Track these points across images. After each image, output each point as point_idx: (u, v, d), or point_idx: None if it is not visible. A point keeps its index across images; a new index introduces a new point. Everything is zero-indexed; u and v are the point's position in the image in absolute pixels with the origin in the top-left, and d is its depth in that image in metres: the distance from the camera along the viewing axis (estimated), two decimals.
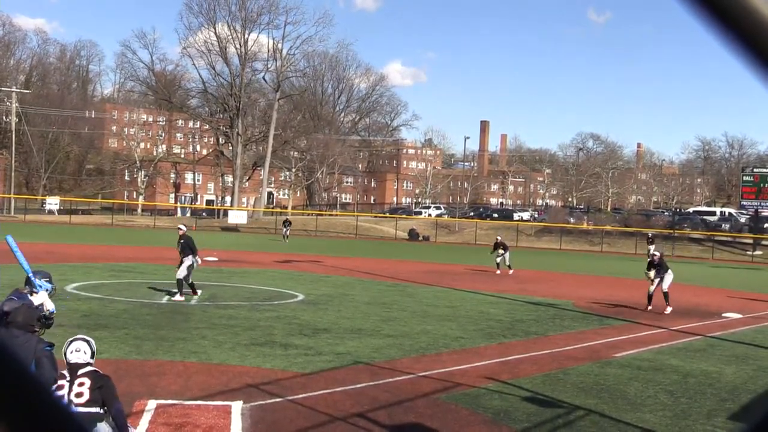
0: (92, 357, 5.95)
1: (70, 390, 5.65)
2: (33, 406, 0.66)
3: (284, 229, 50.94)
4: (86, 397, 5.64)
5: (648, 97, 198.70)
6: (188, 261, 16.59)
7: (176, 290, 16.44)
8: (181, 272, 16.41)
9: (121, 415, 5.86)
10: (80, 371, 5.78)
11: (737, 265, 44.59)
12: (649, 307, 18.09)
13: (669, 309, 17.76)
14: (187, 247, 16.81)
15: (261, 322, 13.61)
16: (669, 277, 18.14)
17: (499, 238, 31.80)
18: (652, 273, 18.26)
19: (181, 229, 17.36)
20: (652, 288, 18.25)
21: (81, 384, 5.68)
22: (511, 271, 28.71)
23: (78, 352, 5.88)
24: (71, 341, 5.94)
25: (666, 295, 17.91)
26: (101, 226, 59.15)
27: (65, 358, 5.85)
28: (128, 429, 5.91)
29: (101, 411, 5.67)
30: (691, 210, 76.50)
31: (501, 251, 29.36)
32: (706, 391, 9.64)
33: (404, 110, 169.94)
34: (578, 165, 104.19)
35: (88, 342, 6.00)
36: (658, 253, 18.97)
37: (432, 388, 9.06)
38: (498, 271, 28.95)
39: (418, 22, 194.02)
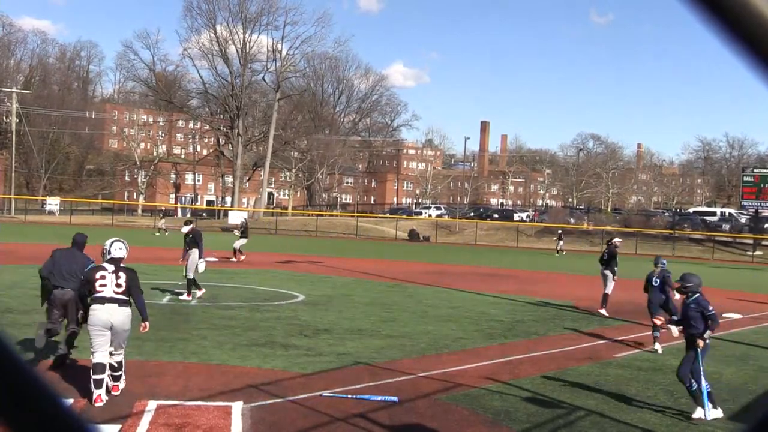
0: (126, 253, 8.35)
1: (112, 279, 7.98)
2: (33, 405, 0.66)
3: (161, 221, 51.63)
4: (123, 287, 7.99)
5: (648, 98, 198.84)
6: (195, 257, 16.67)
7: (184, 291, 16.55)
8: (191, 271, 16.49)
9: (143, 303, 8.32)
10: (119, 265, 8.13)
11: (737, 266, 44.57)
12: (602, 310, 17.09)
13: (604, 311, 16.88)
14: (194, 242, 16.92)
15: (261, 323, 13.61)
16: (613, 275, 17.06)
17: (243, 219, 30.72)
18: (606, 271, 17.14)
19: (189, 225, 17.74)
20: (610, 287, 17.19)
21: (119, 277, 8.03)
22: (243, 257, 28.00)
23: (120, 250, 8.29)
24: (113, 241, 8.37)
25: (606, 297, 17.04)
26: (101, 227, 59.14)
27: (108, 253, 8.26)
28: (146, 313, 8.35)
29: (129, 299, 8.06)
30: (691, 210, 76.49)
31: (236, 232, 27.98)
32: None
33: (404, 110, 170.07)
34: (578, 165, 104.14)
35: (124, 242, 8.42)
36: (619, 240, 17.80)
37: (432, 388, 9.06)
38: (233, 258, 27.92)
39: (420, 23, 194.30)
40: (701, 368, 8.28)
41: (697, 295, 8.79)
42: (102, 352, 7.79)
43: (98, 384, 7.68)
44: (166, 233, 48.45)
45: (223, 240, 45.00)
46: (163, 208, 65.09)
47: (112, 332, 7.86)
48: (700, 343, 8.42)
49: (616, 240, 18.03)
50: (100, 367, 7.72)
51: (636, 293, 21.32)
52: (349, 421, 7.52)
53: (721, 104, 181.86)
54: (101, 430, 6.67)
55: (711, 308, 8.60)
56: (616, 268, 17.20)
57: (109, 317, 7.84)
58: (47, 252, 10.09)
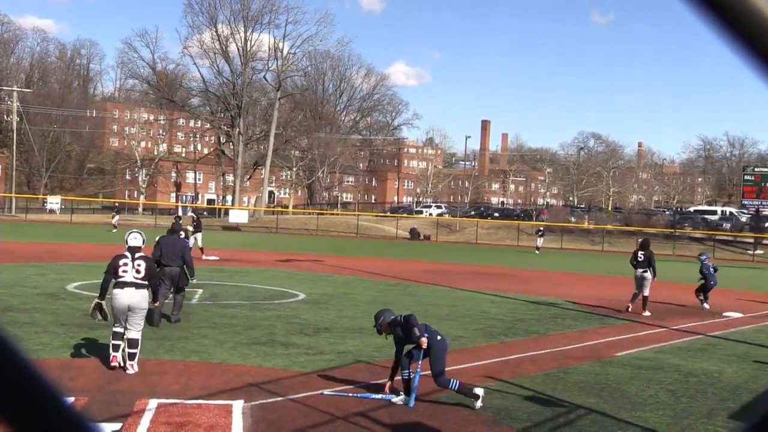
0: (143, 243, 9.44)
1: (132, 266, 9.10)
2: (34, 404, 0.66)
3: (114, 218, 51.55)
4: (143, 274, 9.14)
5: (649, 97, 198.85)
6: None
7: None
8: None
9: (158, 288, 9.80)
10: (137, 254, 9.25)
11: (738, 265, 44.54)
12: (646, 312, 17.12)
13: (647, 313, 16.91)
14: None
15: (262, 321, 13.61)
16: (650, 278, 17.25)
17: (194, 214, 30.61)
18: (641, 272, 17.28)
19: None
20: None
21: (139, 264, 9.17)
22: (202, 255, 27.27)
23: (136, 239, 9.41)
24: (130, 232, 9.52)
25: (646, 299, 17.21)
26: (102, 225, 59.15)
27: (127, 243, 9.36)
28: (159, 298, 10.22)
29: (147, 283, 9.20)
30: (692, 209, 76.47)
31: (190, 228, 27.39)
32: (707, 391, 9.63)
33: (405, 109, 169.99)
34: (579, 164, 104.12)
35: (140, 233, 9.56)
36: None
37: (432, 387, 9.04)
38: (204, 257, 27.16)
39: (422, 23, 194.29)
40: (412, 359, 8.17)
41: None
42: (133, 330, 8.99)
43: (132, 356, 8.95)
44: (116, 230, 47.21)
45: (222, 240, 45.08)
46: (116, 204, 66.44)
47: (130, 311, 8.99)
48: (423, 341, 8.13)
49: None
50: (134, 342, 8.99)
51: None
52: (350, 419, 7.53)
53: (722, 103, 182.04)
54: (102, 429, 6.68)
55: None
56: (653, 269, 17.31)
57: (128, 299, 8.99)
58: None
